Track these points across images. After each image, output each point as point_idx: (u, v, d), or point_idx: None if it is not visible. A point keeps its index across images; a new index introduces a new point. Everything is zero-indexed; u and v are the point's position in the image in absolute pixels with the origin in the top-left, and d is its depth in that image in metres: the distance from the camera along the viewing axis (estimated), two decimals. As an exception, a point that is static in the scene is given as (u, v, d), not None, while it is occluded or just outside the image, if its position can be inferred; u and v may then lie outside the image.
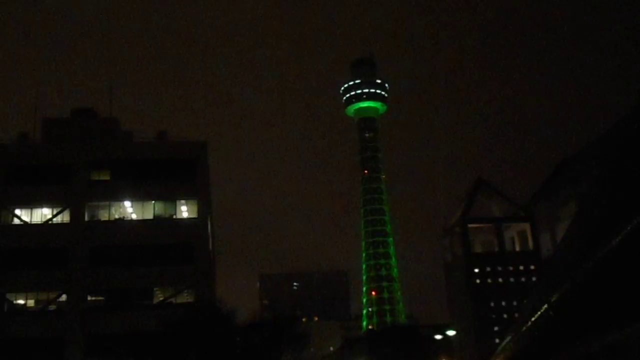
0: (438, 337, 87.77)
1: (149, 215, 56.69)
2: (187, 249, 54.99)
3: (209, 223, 59.55)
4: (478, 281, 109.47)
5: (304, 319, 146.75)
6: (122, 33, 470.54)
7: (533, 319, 8.51)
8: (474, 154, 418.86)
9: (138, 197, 56.86)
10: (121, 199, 56.98)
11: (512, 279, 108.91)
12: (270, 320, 51.44)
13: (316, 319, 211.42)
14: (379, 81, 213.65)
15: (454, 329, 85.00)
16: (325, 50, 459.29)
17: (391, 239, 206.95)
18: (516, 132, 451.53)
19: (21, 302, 56.10)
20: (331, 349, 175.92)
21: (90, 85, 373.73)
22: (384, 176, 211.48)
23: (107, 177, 57.38)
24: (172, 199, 57.17)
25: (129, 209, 57.62)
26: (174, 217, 57.04)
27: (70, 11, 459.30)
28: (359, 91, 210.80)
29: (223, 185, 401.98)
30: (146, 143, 60.20)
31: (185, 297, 55.05)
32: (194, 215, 56.83)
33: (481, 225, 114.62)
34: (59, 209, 55.80)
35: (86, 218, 55.82)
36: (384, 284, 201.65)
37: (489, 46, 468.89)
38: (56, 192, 55.92)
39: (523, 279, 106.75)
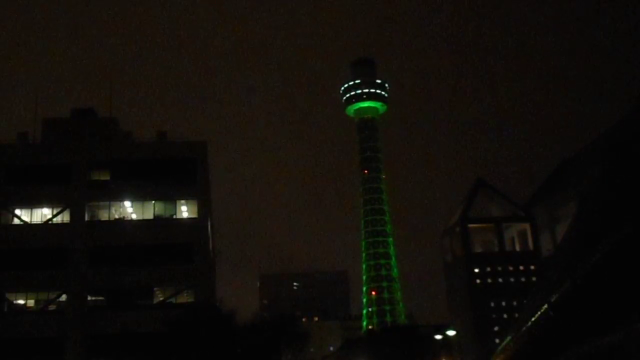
0: (438, 337, 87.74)
1: (149, 215, 56.69)
2: (187, 249, 54.97)
3: (209, 223, 59.53)
4: (478, 281, 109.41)
5: (304, 319, 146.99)
6: (122, 33, 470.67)
7: (533, 319, 8.52)
8: (474, 154, 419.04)
9: (138, 197, 56.85)
10: (121, 199, 56.97)
11: (512, 279, 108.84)
12: (270, 320, 51.54)
13: (316, 319, 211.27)
14: (379, 81, 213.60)
15: (454, 329, 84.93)
16: (325, 50, 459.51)
17: (391, 239, 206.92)
18: (516, 132, 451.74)
19: (21, 302, 56.09)
20: (331, 349, 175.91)
21: (90, 85, 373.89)
22: (384, 176, 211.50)
23: (107, 177, 57.36)
24: (172, 199, 57.15)
25: (129, 209, 57.61)
26: (174, 217, 57.04)
27: (71, 11, 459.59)
28: (359, 91, 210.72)
29: (223, 185, 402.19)
30: (146, 143, 60.18)
31: (185, 297, 55.06)
32: (194, 215, 56.82)
33: (481, 225, 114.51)
34: (59, 209, 55.80)
35: (86, 218, 55.81)
36: (384, 284, 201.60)
37: (489, 46, 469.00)
38: (56, 192, 55.91)
39: (523, 279, 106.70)
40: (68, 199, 55.64)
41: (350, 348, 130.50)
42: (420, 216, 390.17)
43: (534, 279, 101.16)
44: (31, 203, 55.92)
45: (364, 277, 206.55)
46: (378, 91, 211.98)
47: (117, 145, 58.92)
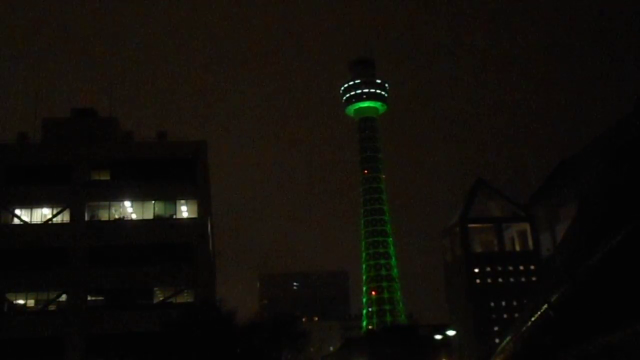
0: (438, 337, 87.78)
1: (149, 215, 56.70)
2: (187, 249, 54.99)
3: (209, 223, 59.54)
4: (478, 281, 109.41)
5: (304, 319, 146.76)
6: (122, 33, 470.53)
7: (533, 319, 8.51)
8: (474, 154, 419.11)
9: (138, 197, 56.87)
10: (121, 199, 56.98)
11: (512, 279, 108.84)
12: (270, 320, 51.46)
13: (316, 319, 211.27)
14: (378, 81, 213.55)
15: (454, 329, 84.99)
16: (325, 50, 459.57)
17: (391, 239, 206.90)
18: (516, 132, 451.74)
19: (21, 302, 56.11)
20: (331, 349, 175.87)
21: (90, 85, 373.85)
22: (384, 176, 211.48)
23: (107, 177, 57.39)
24: (172, 199, 57.17)
25: (129, 209, 57.62)
26: (174, 217, 57.04)
27: (70, 11, 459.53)
28: (358, 91, 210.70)
29: (223, 185, 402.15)
30: (146, 143, 60.17)
31: (185, 297, 55.08)
32: (194, 215, 56.83)
33: (481, 225, 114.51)
34: (59, 209, 55.81)
35: (86, 218, 55.83)
36: (384, 284, 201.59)
37: (489, 46, 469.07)
38: (56, 192, 55.93)
39: (523, 279, 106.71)
40: (68, 199, 55.64)
41: (350, 348, 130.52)
42: (420, 216, 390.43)
43: (534, 279, 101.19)
44: (31, 203, 55.92)
45: (364, 277, 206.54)
46: (378, 91, 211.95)
47: (117, 145, 58.91)
